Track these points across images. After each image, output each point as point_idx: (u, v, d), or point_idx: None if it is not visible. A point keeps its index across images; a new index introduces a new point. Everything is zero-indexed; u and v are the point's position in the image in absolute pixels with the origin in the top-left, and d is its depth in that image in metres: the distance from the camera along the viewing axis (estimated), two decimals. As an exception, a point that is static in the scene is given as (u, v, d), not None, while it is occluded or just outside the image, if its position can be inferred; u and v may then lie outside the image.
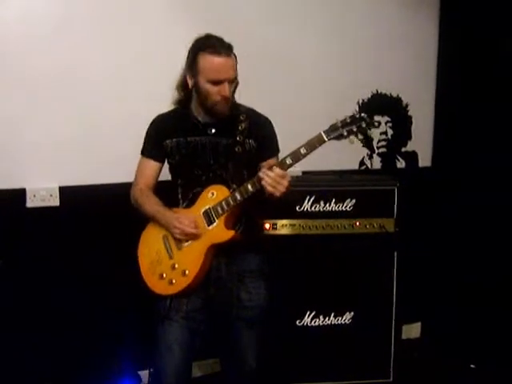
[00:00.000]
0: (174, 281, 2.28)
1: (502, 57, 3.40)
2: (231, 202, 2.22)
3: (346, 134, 2.10)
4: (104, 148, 3.05)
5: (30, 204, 2.94)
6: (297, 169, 3.28)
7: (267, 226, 3.01)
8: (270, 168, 2.12)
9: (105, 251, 3.06)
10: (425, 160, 3.93)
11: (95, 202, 3.04)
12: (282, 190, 2.10)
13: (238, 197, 2.20)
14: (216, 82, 2.19)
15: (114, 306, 3.08)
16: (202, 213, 2.28)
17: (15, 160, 2.91)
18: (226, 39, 2.25)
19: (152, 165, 2.42)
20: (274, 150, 2.41)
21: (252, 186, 2.17)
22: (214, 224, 2.26)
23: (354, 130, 2.09)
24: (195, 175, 2.34)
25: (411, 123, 3.86)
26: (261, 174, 2.11)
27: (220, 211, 2.24)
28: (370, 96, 3.71)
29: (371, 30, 3.64)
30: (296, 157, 2.12)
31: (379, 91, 3.73)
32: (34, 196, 2.94)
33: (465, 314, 3.60)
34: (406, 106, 3.82)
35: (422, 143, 3.91)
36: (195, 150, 2.33)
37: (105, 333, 3.10)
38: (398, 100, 3.80)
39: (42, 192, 2.96)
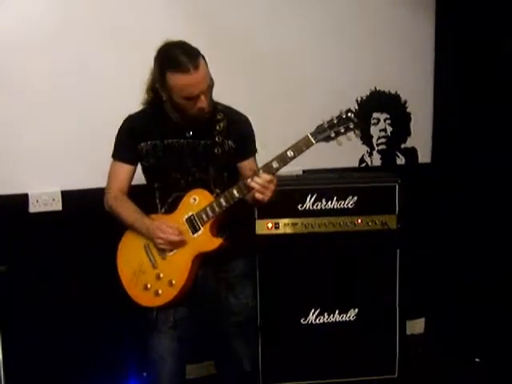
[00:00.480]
0: (160, 291, 2.21)
1: (499, 54, 3.39)
2: (216, 209, 2.15)
3: (333, 135, 2.07)
4: (106, 152, 2.97)
5: (32, 209, 2.96)
6: (297, 167, 3.33)
7: (270, 225, 3.01)
8: (256, 174, 2.07)
9: (107, 254, 3.02)
10: (424, 156, 3.94)
11: (97, 206, 2.95)
12: (269, 195, 2.08)
13: (224, 203, 2.14)
14: (191, 98, 2.09)
15: (117, 308, 3.04)
16: (185, 220, 2.20)
17: (17, 165, 2.93)
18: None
19: (125, 168, 2.31)
20: (252, 150, 2.36)
21: (238, 192, 2.12)
22: (200, 232, 2.18)
23: (342, 131, 2.06)
24: (173, 179, 2.26)
25: (410, 120, 3.86)
26: (248, 182, 2.06)
27: (205, 218, 2.17)
28: (368, 94, 3.71)
29: (369, 29, 3.65)
30: (283, 160, 2.08)
31: (377, 89, 3.73)
32: (37, 201, 2.97)
33: (468, 309, 3.60)
34: (405, 102, 3.82)
35: (421, 139, 3.91)
36: (173, 152, 2.24)
37: (109, 335, 3.11)
38: (397, 97, 3.80)
39: (45, 197, 2.98)
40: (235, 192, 2.12)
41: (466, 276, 3.65)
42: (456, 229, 3.75)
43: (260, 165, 2.18)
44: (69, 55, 2.94)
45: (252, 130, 2.38)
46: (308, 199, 3.05)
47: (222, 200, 2.14)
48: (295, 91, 3.47)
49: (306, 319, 3.11)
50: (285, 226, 3.05)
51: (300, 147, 2.06)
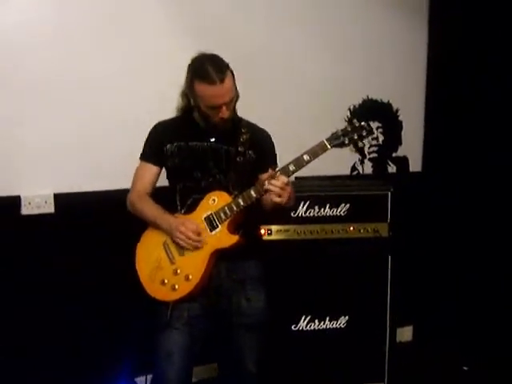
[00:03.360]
0: (176, 286, 2.26)
1: (490, 64, 3.45)
2: (234, 208, 2.23)
3: (347, 142, 2.19)
4: (99, 155, 3.06)
5: (25, 211, 2.93)
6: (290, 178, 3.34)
7: (262, 231, 3.02)
8: (273, 176, 2.15)
9: (100, 257, 3.06)
10: (415, 165, 3.98)
11: (90, 209, 3.04)
12: (286, 197, 2.14)
13: (242, 203, 2.22)
14: (214, 107, 2.22)
15: (110, 312, 3.09)
16: (203, 218, 2.27)
17: (10, 167, 2.90)
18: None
19: (151, 169, 2.41)
20: (273, 164, 2.41)
21: (255, 193, 2.20)
22: (217, 229, 2.26)
23: (355, 138, 2.19)
24: (194, 178, 2.35)
25: (401, 129, 3.90)
26: (266, 185, 2.13)
27: (223, 217, 2.25)
28: (361, 102, 3.75)
29: (362, 38, 3.69)
30: (299, 164, 2.18)
31: (370, 97, 3.77)
32: (29, 203, 2.94)
33: (456, 317, 3.64)
34: (397, 111, 3.86)
35: (412, 148, 3.95)
36: (196, 153, 2.35)
37: (101, 339, 3.10)
38: (389, 106, 3.84)
39: (37, 199, 2.96)
40: (253, 192, 2.20)
41: (454, 284, 3.69)
42: (446, 237, 3.79)
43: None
44: (64, 57, 2.93)
45: (273, 146, 2.48)
46: (301, 206, 3.07)
47: (240, 200, 2.22)
48: (288, 99, 3.49)
49: (296, 326, 3.12)
50: (277, 232, 3.07)
51: (316, 151, 2.16)
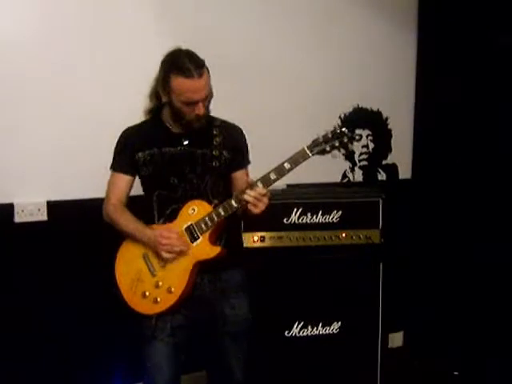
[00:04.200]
0: (158, 299, 2.23)
1: (479, 72, 3.50)
2: (215, 218, 2.19)
3: (328, 149, 2.15)
4: (91, 162, 3.02)
5: (17, 219, 2.94)
6: (281, 182, 3.33)
7: (255, 238, 3.04)
8: (253, 185, 2.12)
9: (93, 265, 3.04)
10: (405, 172, 4.02)
11: (83, 217, 3.03)
12: (262, 208, 2.12)
13: (222, 212, 2.18)
14: (190, 103, 2.18)
15: (103, 320, 3.08)
16: (184, 229, 2.23)
17: (2, 175, 2.91)
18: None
19: (124, 179, 2.36)
20: (246, 162, 2.44)
21: (236, 202, 2.17)
22: (199, 240, 2.22)
23: (337, 144, 2.14)
24: (171, 185, 2.30)
25: (391, 136, 3.94)
26: (242, 196, 2.12)
27: (204, 227, 2.21)
28: (351, 110, 3.78)
29: (353, 48, 3.74)
30: (281, 172, 2.14)
31: (360, 105, 3.81)
32: (22, 211, 2.94)
33: (446, 323, 3.67)
34: (386, 119, 3.90)
35: (401, 156, 4.00)
36: (170, 159, 2.30)
37: (95, 347, 3.10)
38: (378, 114, 3.88)
39: (30, 207, 2.96)
40: (233, 202, 2.17)
41: (445, 290, 3.72)
42: (436, 243, 3.83)
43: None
44: (57, 64, 2.94)
45: (245, 142, 2.46)
46: (293, 213, 3.09)
47: (220, 210, 2.19)
48: (278, 107, 3.51)
49: (290, 332, 3.13)
50: (270, 239, 3.08)
51: (297, 159, 2.13)
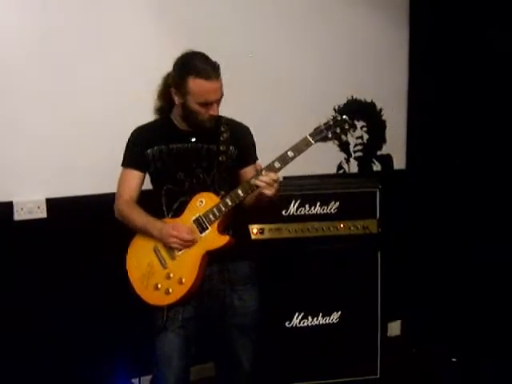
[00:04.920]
0: (170, 290, 2.27)
1: (473, 60, 3.53)
2: (223, 208, 2.23)
3: (330, 136, 2.20)
4: (90, 159, 3.06)
5: (17, 217, 2.93)
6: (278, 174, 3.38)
7: (255, 230, 3.07)
8: (259, 174, 2.15)
9: (93, 262, 3.06)
10: (399, 163, 4.06)
11: (82, 213, 3.04)
12: (273, 192, 2.15)
13: (229, 202, 2.23)
14: (205, 104, 2.23)
15: (104, 315, 3.09)
16: (192, 221, 2.28)
17: (2, 173, 2.90)
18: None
19: (135, 175, 2.40)
20: (254, 158, 2.45)
21: (242, 192, 2.21)
22: (207, 231, 2.26)
23: (338, 131, 2.21)
24: (178, 180, 2.34)
25: (385, 127, 3.97)
26: (254, 181, 2.14)
27: (212, 218, 2.25)
28: (345, 101, 3.81)
29: (346, 39, 3.77)
30: (284, 160, 2.18)
31: (354, 97, 3.83)
32: (22, 209, 2.94)
33: (443, 311, 3.72)
34: (380, 110, 3.93)
35: (396, 147, 4.03)
36: (178, 155, 2.35)
37: (97, 341, 3.10)
38: (373, 105, 3.91)
39: (30, 204, 2.95)
40: (240, 192, 2.21)
41: (441, 278, 3.76)
42: (429, 233, 3.87)
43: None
44: (56, 62, 2.94)
45: (253, 139, 2.50)
46: (292, 205, 3.13)
47: (227, 200, 2.23)
48: (272, 99, 3.52)
49: (290, 322, 3.18)
50: (269, 231, 3.11)
51: (300, 148, 2.17)
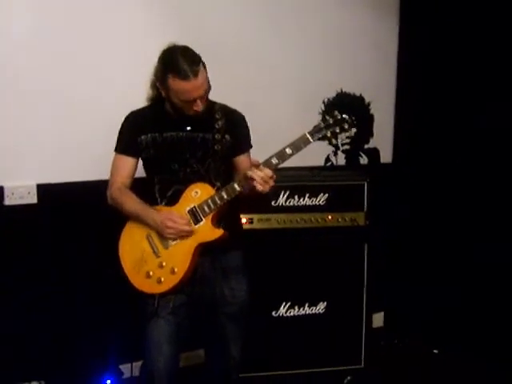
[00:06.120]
0: (162, 279, 2.28)
1: (460, 56, 3.59)
2: (218, 201, 2.23)
3: (329, 135, 2.22)
4: (82, 145, 3.05)
5: (7, 202, 2.92)
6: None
7: (244, 220, 3.09)
8: (257, 167, 2.15)
9: (83, 248, 3.08)
10: (385, 157, 4.11)
11: (73, 200, 3.04)
12: (267, 188, 2.16)
13: (225, 196, 2.22)
14: (188, 101, 2.21)
15: (94, 302, 3.10)
16: (187, 211, 2.28)
17: (-8, 158, 2.89)
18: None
19: (128, 161, 2.38)
20: (248, 146, 2.47)
21: (239, 186, 2.21)
22: (201, 223, 2.26)
23: (337, 130, 2.21)
24: (172, 170, 2.34)
25: (373, 121, 4.02)
26: (250, 173, 2.13)
27: (207, 210, 2.25)
28: (334, 95, 3.84)
29: (335, 33, 3.79)
30: (282, 157, 2.18)
31: (343, 90, 3.87)
32: (12, 194, 2.93)
33: (427, 302, 3.79)
34: (368, 104, 3.97)
35: (382, 140, 4.08)
36: (171, 144, 2.34)
37: (86, 328, 3.12)
38: (361, 99, 3.95)
39: (20, 189, 2.95)
40: (236, 186, 2.21)
41: (424, 270, 3.83)
42: (415, 225, 3.94)
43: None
44: (52, 51, 2.93)
45: (247, 127, 2.48)
46: (281, 196, 3.15)
47: (223, 193, 2.23)
48: (261, 92, 3.53)
49: (277, 312, 3.21)
50: (259, 221, 3.14)
51: (298, 145, 2.17)
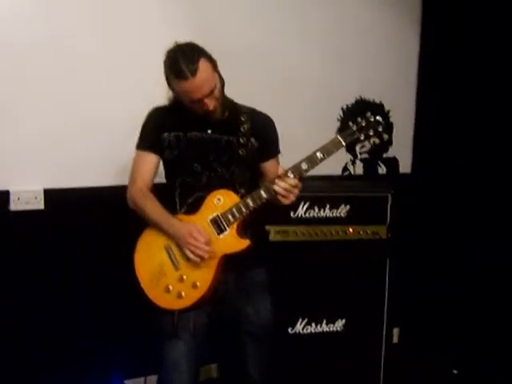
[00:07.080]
0: (183, 294, 2.12)
1: (482, 66, 3.46)
2: (243, 209, 2.10)
3: (362, 137, 2.11)
4: (89, 151, 2.96)
5: (13, 207, 2.83)
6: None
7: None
8: (284, 175, 2.05)
9: (90, 254, 2.99)
10: (404, 167, 3.97)
11: (80, 205, 2.95)
12: (292, 199, 2.06)
13: (251, 203, 2.10)
14: (194, 101, 2.09)
15: (100, 312, 3.02)
16: (209, 220, 2.14)
17: (-1, 161, 2.78)
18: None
19: (150, 158, 2.24)
20: (276, 151, 2.35)
21: (266, 193, 2.08)
22: (226, 233, 2.13)
23: (371, 133, 2.10)
24: (194, 172, 2.20)
25: (393, 129, 3.88)
26: (273, 186, 2.04)
27: (231, 219, 2.12)
28: (353, 102, 3.72)
29: (357, 38, 3.68)
30: (312, 162, 2.08)
31: (363, 97, 3.74)
32: (18, 199, 2.83)
33: (444, 320, 3.65)
34: (388, 112, 3.84)
35: (402, 150, 3.94)
36: (195, 144, 2.20)
37: (91, 341, 3.02)
38: (381, 106, 3.81)
39: (27, 194, 2.84)
40: (263, 193, 2.09)
41: (443, 287, 3.69)
42: (433, 239, 3.79)
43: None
44: (57, 52, 2.85)
45: (275, 131, 2.35)
46: (301, 207, 3.01)
47: (249, 201, 2.10)
48: (280, 99, 3.41)
49: (293, 329, 3.07)
50: (276, 233, 2.99)
51: (330, 149, 2.08)
